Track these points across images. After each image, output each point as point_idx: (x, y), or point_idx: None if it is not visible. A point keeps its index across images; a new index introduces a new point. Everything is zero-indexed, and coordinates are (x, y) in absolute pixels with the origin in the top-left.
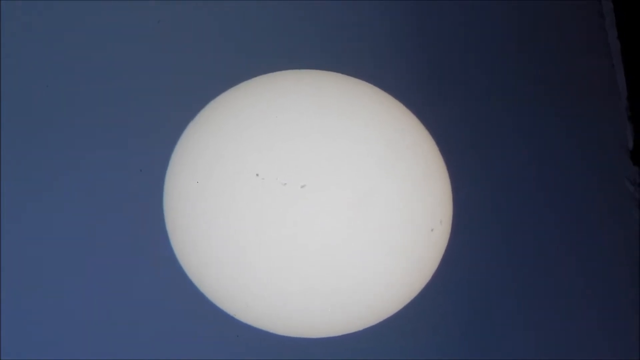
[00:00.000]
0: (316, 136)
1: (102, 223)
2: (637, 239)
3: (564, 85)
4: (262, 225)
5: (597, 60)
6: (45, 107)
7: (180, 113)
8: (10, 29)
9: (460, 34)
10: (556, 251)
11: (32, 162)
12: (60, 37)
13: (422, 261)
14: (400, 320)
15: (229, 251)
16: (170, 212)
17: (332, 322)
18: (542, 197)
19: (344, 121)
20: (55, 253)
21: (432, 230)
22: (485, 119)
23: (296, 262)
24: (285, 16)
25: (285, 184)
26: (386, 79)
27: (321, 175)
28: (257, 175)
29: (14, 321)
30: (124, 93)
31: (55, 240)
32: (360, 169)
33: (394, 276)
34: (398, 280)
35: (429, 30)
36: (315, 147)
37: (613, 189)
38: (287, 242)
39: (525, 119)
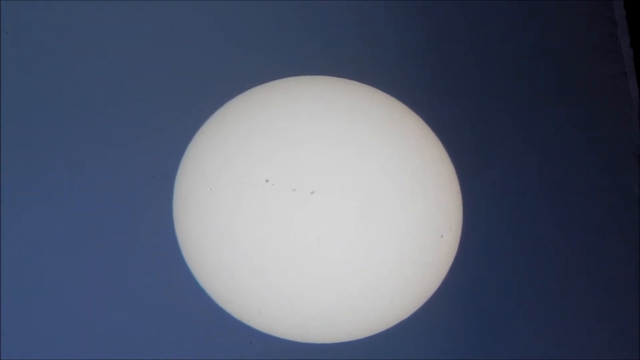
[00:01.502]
0: (325, 142)
1: (111, 229)
2: (637, 239)
3: (574, 91)
4: (272, 231)
5: (608, 66)
6: (54, 110)
7: (191, 118)
8: (21, 29)
9: (468, 39)
10: (565, 256)
11: (40, 164)
12: (71, 40)
13: (431, 267)
14: (410, 326)
15: (239, 257)
16: (179, 217)
17: (342, 328)
18: (552, 202)
19: (353, 127)
20: (60, 256)
21: (441, 236)
22: (495, 124)
23: (306, 269)
24: (295, 23)
25: (295, 190)
26: (395, 85)
27: (330, 182)
28: (266, 181)
29: (15, 321)
30: (135, 96)
31: (60, 243)
32: (370, 175)
33: (403, 282)
34: (407, 287)
35: (437, 35)
36: (325, 154)
37: (626, 195)
38: (296, 248)
39: (535, 124)
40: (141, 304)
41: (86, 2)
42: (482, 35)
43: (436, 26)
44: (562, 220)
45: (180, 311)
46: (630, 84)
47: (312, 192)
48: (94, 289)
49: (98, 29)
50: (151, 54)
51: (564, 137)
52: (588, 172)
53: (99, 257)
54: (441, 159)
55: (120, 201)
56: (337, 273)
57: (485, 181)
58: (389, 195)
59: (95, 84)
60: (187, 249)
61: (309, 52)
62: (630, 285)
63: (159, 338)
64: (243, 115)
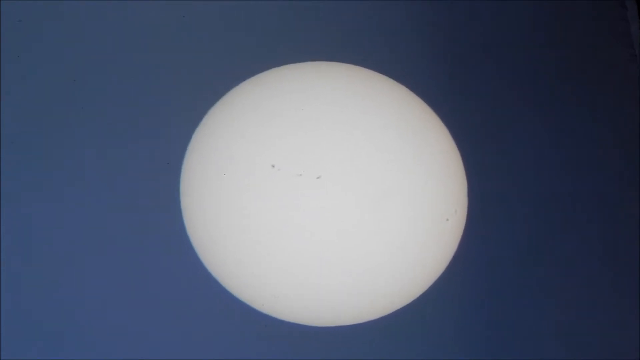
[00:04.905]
0: (332, 128)
1: (117, 217)
2: (637, 239)
3: (584, 78)
4: (279, 216)
5: (620, 51)
6: (67, 98)
7: (198, 103)
8: (21, 27)
9: (477, 24)
10: (565, 244)
11: (46, 153)
12: (86, 23)
13: (436, 250)
14: (419, 306)
15: (246, 242)
16: (187, 204)
17: (352, 310)
18: (555, 187)
19: (361, 113)
20: (63, 247)
21: (447, 220)
22: (500, 110)
23: (315, 253)
24: (308, 8)
25: (301, 174)
26: (402, 72)
27: (337, 167)
28: (273, 166)
29: (15, 321)
30: (141, 84)
31: (64, 234)
32: (376, 160)
33: (412, 264)
34: (415, 268)
35: (447, 23)
36: (332, 139)
37: (630, 184)
38: (305, 232)
39: (542, 109)
40: (150, 294)
41: None
42: (492, 20)
43: (446, 14)
44: (566, 203)
45: (191, 299)
46: (639, 67)
47: (318, 177)
48: (105, 280)
49: (120, 15)
50: (162, 38)
51: (569, 123)
52: (595, 156)
53: (106, 248)
54: (447, 145)
55: (127, 189)
56: (345, 256)
57: (490, 166)
58: (394, 179)
59: (105, 68)
60: (196, 236)
61: (318, 39)
62: (630, 285)
63: (170, 326)
64: (249, 101)
